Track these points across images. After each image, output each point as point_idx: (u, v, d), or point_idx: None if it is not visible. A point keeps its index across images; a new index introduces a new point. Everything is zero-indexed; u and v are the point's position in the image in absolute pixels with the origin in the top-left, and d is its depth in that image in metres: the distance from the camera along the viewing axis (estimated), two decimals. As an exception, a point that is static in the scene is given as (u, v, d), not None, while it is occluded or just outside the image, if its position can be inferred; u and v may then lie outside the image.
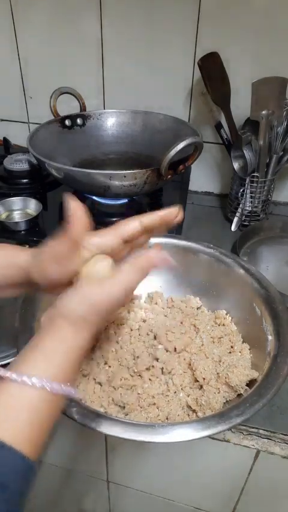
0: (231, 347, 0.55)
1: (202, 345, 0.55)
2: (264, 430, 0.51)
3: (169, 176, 0.67)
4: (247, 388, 0.49)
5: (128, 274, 0.36)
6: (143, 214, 0.40)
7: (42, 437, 0.31)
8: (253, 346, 0.54)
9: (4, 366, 0.57)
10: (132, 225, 0.39)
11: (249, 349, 0.54)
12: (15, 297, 0.46)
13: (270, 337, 0.50)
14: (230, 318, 0.59)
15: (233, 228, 0.86)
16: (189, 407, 0.49)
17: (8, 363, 0.57)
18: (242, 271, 0.59)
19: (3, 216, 0.80)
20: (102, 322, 0.37)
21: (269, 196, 0.85)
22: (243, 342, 0.56)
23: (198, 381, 0.50)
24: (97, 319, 0.36)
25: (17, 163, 0.92)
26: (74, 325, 0.34)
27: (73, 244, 0.37)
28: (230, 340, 0.56)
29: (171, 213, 0.40)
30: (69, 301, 0.35)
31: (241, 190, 0.83)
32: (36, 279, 0.38)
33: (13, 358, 0.57)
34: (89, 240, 0.38)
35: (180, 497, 0.69)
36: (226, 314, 0.59)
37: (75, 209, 0.37)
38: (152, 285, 0.64)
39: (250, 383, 0.49)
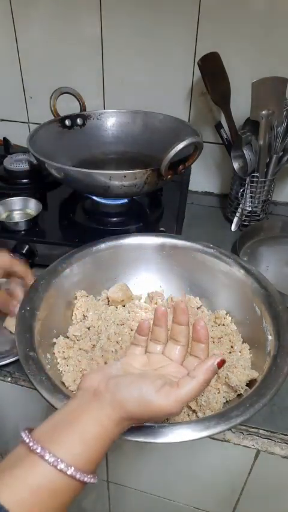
0: (231, 347, 0.55)
1: (202, 345, 0.55)
2: (264, 430, 0.51)
3: (169, 176, 0.67)
4: (247, 388, 0.49)
5: (192, 389, 0.34)
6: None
7: None
8: (253, 346, 0.54)
9: (4, 366, 0.57)
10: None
11: (249, 349, 0.54)
12: None
13: (270, 337, 0.50)
14: (230, 318, 0.59)
15: (233, 228, 0.86)
16: (189, 407, 0.49)
17: (8, 363, 0.57)
18: (242, 271, 0.59)
19: (3, 216, 0.80)
20: (142, 423, 0.37)
21: (269, 196, 0.85)
22: (243, 342, 0.56)
23: (198, 381, 0.50)
24: (142, 421, 0.35)
25: (17, 163, 0.92)
26: (121, 423, 0.34)
27: None
28: (230, 340, 0.56)
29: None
30: (129, 396, 0.33)
31: (241, 190, 0.83)
32: None
33: (13, 358, 0.56)
34: None
35: (180, 497, 0.69)
36: (226, 314, 0.59)
37: None
38: (152, 285, 0.64)
39: (250, 383, 0.49)
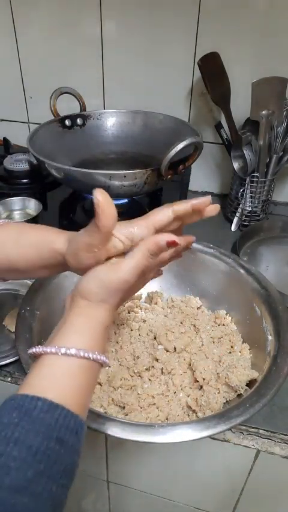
0: (231, 347, 0.55)
1: (202, 345, 0.55)
2: (264, 430, 0.51)
3: (169, 176, 0.67)
4: (247, 388, 0.49)
5: (137, 258, 0.37)
6: (175, 202, 0.41)
7: (85, 400, 0.35)
8: (253, 346, 0.54)
9: (4, 365, 0.57)
10: (164, 214, 0.40)
11: (249, 349, 0.54)
12: (46, 277, 0.49)
13: (270, 337, 0.50)
14: (230, 318, 0.59)
15: (233, 228, 0.86)
16: (189, 407, 0.49)
17: (8, 363, 0.57)
18: (242, 271, 0.59)
19: (3, 216, 0.80)
20: (119, 302, 0.40)
21: (269, 196, 0.85)
22: (243, 342, 0.56)
23: (198, 381, 0.50)
24: (113, 299, 0.39)
25: (17, 163, 0.92)
26: (94, 304, 0.38)
27: (104, 236, 0.38)
28: (230, 340, 0.56)
29: (204, 203, 0.40)
30: (87, 283, 0.38)
31: (241, 190, 0.83)
32: (70, 264, 0.41)
33: (13, 358, 0.57)
34: (121, 230, 0.40)
35: (180, 497, 0.69)
36: (226, 314, 0.59)
37: (103, 201, 0.38)
38: (152, 285, 0.64)
39: (250, 383, 0.49)
